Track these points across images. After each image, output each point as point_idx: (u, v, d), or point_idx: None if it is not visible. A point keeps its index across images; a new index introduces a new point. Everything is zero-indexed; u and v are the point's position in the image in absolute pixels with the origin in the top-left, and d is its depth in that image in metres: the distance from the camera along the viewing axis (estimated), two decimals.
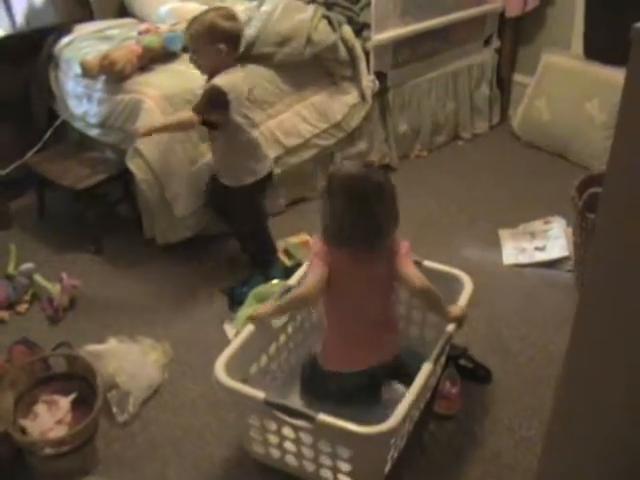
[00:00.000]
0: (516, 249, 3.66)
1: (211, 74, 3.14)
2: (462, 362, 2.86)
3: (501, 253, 3.65)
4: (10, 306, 3.44)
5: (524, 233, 3.77)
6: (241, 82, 3.18)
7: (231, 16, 3.12)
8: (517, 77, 5.04)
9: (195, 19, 3.09)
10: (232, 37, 3.10)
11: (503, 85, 5.04)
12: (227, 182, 3.35)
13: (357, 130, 4.24)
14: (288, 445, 2.34)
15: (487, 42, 4.86)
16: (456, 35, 4.60)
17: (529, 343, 3.06)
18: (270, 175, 3.45)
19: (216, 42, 3.05)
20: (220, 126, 3.17)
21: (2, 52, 4.14)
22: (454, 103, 4.77)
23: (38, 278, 3.46)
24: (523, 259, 3.60)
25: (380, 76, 4.25)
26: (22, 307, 3.45)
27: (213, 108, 3.09)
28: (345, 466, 2.25)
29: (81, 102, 3.91)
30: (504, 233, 3.80)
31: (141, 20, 4.43)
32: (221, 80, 3.06)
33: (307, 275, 2.43)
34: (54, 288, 3.40)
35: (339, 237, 2.32)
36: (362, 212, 2.26)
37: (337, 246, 2.34)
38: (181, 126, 3.27)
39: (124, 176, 3.69)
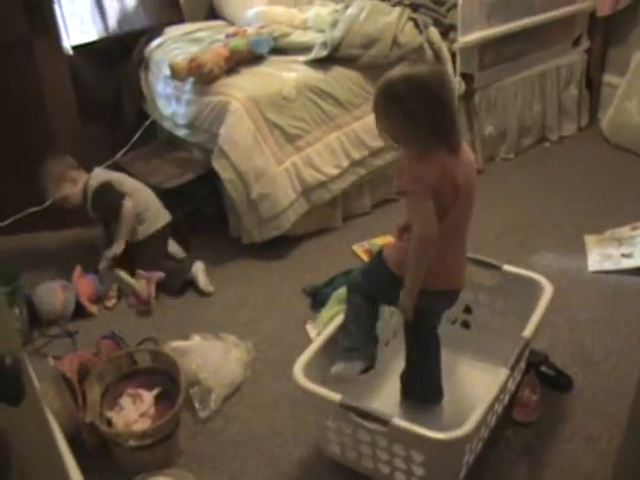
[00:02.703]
0: (602, 255, 3.58)
1: None
2: (543, 369, 2.81)
3: (586, 259, 3.57)
4: (99, 300, 3.57)
5: (611, 239, 3.69)
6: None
7: None
8: (607, 78, 4.92)
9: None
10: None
11: (592, 86, 4.93)
12: None
13: None
14: (363, 447, 2.36)
15: (576, 42, 4.76)
16: (544, 36, 4.52)
17: (612, 352, 2.99)
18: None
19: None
20: None
21: (95, 55, 4.29)
22: (541, 105, 4.70)
23: (122, 274, 3.56)
24: (609, 266, 3.52)
25: (466, 78, 4.23)
26: (110, 302, 3.57)
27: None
28: (419, 470, 2.25)
29: (170, 103, 4.00)
30: (590, 239, 3.72)
31: (230, 22, 4.52)
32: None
33: (420, 213, 2.25)
34: (138, 283, 3.50)
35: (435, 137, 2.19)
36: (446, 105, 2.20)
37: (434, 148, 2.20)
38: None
39: (211, 176, 3.75)
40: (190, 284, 3.61)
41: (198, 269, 3.60)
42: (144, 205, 3.66)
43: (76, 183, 3.62)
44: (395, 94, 2.19)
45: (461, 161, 2.26)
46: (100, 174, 3.68)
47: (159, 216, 3.72)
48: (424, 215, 2.22)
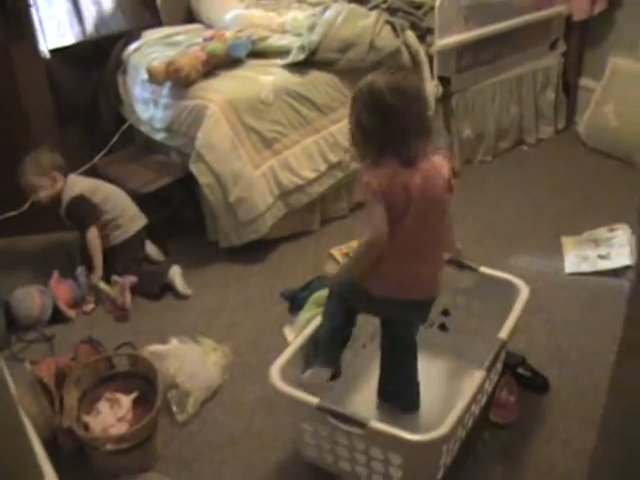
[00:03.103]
0: (579, 257, 3.60)
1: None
2: (520, 370, 2.83)
3: (563, 261, 3.60)
4: (76, 305, 3.55)
5: (588, 241, 3.71)
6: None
7: None
8: (584, 81, 4.94)
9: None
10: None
11: (569, 90, 4.96)
12: None
13: None
14: (341, 450, 2.36)
15: (553, 46, 4.78)
16: (521, 39, 4.54)
17: (589, 353, 3.01)
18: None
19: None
20: None
21: (73, 58, 4.27)
22: (518, 108, 4.73)
23: (98, 283, 3.56)
24: (585, 267, 3.55)
25: (443, 81, 4.24)
26: (88, 307, 3.56)
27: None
28: (397, 472, 2.26)
29: (148, 107, 4.00)
30: (567, 240, 3.74)
31: (207, 26, 4.51)
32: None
33: (369, 218, 2.28)
34: (113, 290, 3.49)
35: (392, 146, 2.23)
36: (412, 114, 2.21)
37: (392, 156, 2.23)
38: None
39: (189, 179, 3.74)
40: (168, 288, 3.60)
41: (175, 273, 3.60)
42: (120, 209, 3.66)
43: (53, 184, 3.60)
44: (355, 100, 2.28)
45: (418, 172, 2.25)
46: (75, 183, 3.66)
47: (135, 220, 3.72)
48: (372, 219, 2.25)
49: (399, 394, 2.68)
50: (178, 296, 3.57)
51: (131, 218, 3.70)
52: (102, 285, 3.54)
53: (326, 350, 2.46)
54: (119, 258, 3.66)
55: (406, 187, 2.23)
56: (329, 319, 2.49)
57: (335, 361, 2.46)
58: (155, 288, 3.59)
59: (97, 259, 3.60)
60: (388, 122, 2.21)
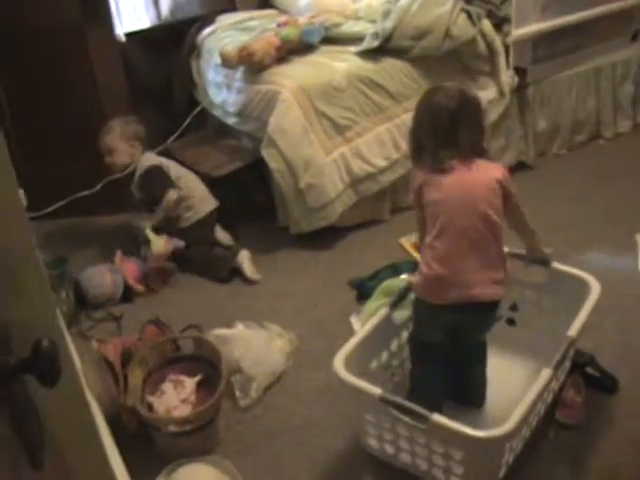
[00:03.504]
0: None
1: None
2: (588, 370, 2.76)
3: (637, 259, 3.51)
4: (144, 282, 3.61)
5: None
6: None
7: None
8: None
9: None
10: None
11: None
12: None
13: (494, 126, 4.15)
14: (402, 442, 2.34)
15: (634, 37, 4.66)
16: (600, 30, 4.44)
17: None
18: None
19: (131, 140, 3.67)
20: None
21: (148, 42, 4.32)
22: (596, 100, 4.62)
23: (148, 231, 3.62)
24: None
25: (519, 71, 4.17)
26: (157, 285, 3.61)
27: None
28: (458, 468, 2.23)
29: (221, 91, 4.02)
30: None
31: (281, 12, 4.52)
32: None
33: None
34: (156, 239, 3.59)
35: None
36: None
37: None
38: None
39: (260, 164, 3.75)
40: (237, 272, 3.62)
41: (244, 257, 3.62)
42: (191, 191, 3.69)
43: (132, 153, 3.67)
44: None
45: (450, 178, 2.33)
46: (150, 158, 3.71)
47: (206, 202, 3.75)
48: None
49: (466, 391, 2.65)
50: (247, 281, 3.58)
51: (202, 200, 3.73)
52: (150, 234, 3.58)
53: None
54: (190, 240, 3.69)
55: (421, 194, 2.40)
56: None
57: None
58: (224, 272, 3.61)
59: (160, 215, 3.65)
60: (419, 130, 2.39)
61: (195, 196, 3.71)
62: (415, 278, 2.49)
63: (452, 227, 2.32)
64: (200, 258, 3.69)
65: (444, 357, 2.48)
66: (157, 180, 3.64)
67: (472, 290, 2.32)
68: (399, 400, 2.25)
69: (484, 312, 2.43)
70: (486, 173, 2.36)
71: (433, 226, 2.35)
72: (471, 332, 2.53)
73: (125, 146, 3.65)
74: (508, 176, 2.39)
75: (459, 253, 2.32)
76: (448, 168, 2.32)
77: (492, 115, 4.07)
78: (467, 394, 2.65)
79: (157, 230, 3.62)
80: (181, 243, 3.63)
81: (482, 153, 2.39)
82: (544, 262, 2.70)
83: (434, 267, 2.33)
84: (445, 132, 2.33)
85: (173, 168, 3.71)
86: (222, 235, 3.83)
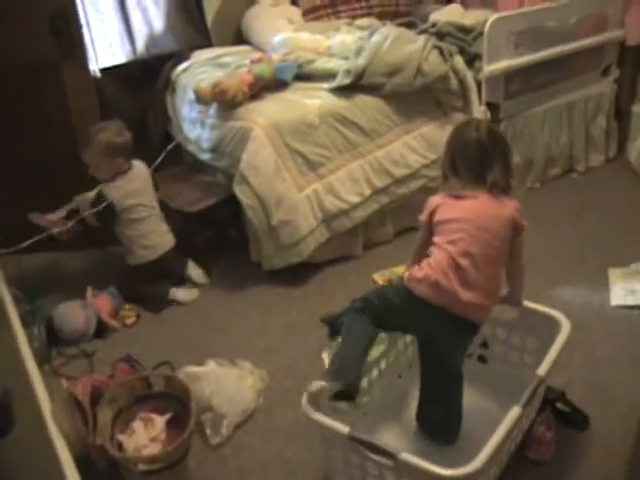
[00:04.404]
0: (625, 290, 3.53)
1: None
2: (559, 406, 2.76)
3: (609, 293, 3.53)
4: (117, 316, 3.62)
5: (636, 273, 3.63)
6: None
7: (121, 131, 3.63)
8: (637, 108, 4.82)
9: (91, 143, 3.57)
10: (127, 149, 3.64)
11: (621, 117, 4.88)
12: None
13: None
14: None
15: (605, 72, 4.73)
16: (572, 65, 4.49)
17: (633, 390, 2.92)
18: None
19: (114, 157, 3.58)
20: None
21: (123, 77, 4.34)
22: (569, 135, 4.66)
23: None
24: (633, 300, 3.46)
25: (492, 107, 4.21)
26: (130, 320, 3.62)
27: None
28: None
29: (195, 127, 4.03)
30: (614, 272, 3.66)
31: (256, 48, 4.55)
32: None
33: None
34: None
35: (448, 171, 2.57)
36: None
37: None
38: None
39: (234, 200, 3.75)
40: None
41: (191, 267, 3.78)
42: (149, 231, 3.72)
43: (113, 168, 3.63)
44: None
45: (465, 203, 2.50)
46: (118, 187, 3.65)
47: (162, 243, 3.79)
48: None
49: (437, 423, 2.64)
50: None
51: (158, 242, 3.76)
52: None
53: (346, 364, 2.46)
54: (141, 277, 3.73)
55: (433, 212, 2.57)
56: (354, 335, 2.54)
57: (350, 381, 2.40)
58: (158, 310, 3.70)
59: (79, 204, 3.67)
60: (452, 162, 2.55)
61: (149, 237, 3.73)
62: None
63: (464, 241, 2.45)
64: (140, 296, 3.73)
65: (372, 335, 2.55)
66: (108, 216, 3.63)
67: (456, 301, 2.43)
68: (368, 438, 2.24)
69: (458, 328, 2.47)
70: (504, 207, 2.51)
71: (444, 234, 2.50)
72: (441, 345, 2.52)
73: (103, 164, 3.60)
74: (521, 210, 2.57)
75: (460, 265, 2.43)
76: (471, 196, 2.49)
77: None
78: (427, 422, 2.66)
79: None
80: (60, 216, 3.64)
81: (506, 189, 2.55)
82: (517, 304, 2.73)
83: (431, 269, 2.46)
84: (476, 165, 2.50)
85: (135, 209, 3.68)
86: (195, 272, 3.82)
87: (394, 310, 2.53)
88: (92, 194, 3.63)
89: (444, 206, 2.54)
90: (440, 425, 2.63)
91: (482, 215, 2.48)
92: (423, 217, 2.62)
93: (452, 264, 2.43)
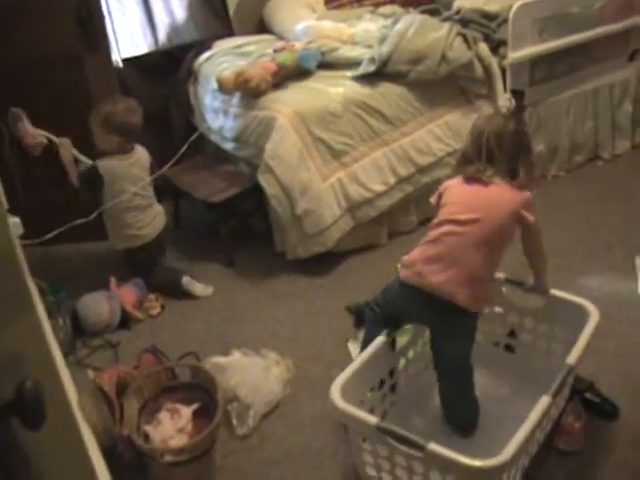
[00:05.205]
0: None
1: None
2: (588, 395, 2.74)
3: (637, 282, 3.48)
4: (142, 307, 3.62)
5: None
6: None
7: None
8: None
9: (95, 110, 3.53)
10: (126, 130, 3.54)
11: None
12: None
13: None
14: (400, 471, 2.32)
15: (631, 57, 4.66)
16: (598, 51, 4.44)
17: None
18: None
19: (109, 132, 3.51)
20: None
21: (145, 67, 4.33)
22: (594, 121, 4.62)
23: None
24: None
25: (517, 94, 4.16)
26: (155, 311, 3.62)
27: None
28: None
29: (218, 116, 4.02)
30: None
31: (278, 37, 4.53)
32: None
33: None
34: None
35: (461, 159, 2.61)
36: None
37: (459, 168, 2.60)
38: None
39: (257, 190, 3.74)
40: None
41: (187, 284, 3.69)
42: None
43: (110, 142, 3.57)
44: None
45: (472, 187, 2.53)
46: (112, 163, 3.59)
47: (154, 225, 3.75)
48: None
49: (456, 416, 2.66)
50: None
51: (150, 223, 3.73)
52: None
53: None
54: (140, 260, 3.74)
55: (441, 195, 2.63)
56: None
57: None
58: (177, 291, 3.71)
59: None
60: (469, 149, 2.58)
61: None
62: None
63: (451, 224, 2.48)
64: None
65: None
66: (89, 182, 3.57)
67: (435, 283, 2.45)
68: (396, 429, 2.22)
69: (445, 312, 2.47)
70: (511, 198, 2.49)
71: (439, 216, 2.55)
72: (437, 330, 2.60)
73: (101, 137, 3.56)
74: (530, 204, 2.50)
75: (442, 248, 2.48)
76: (483, 182, 2.50)
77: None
78: (445, 412, 2.68)
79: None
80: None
81: (515, 176, 2.55)
82: (542, 292, 2.70)
83: (415, 251, 2.56)
84: (502, 154, 2.51)
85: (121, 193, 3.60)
86: (197, 288, 3.74)
87: (391, 303, 2.63)
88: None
89: (451, 189, 2.58)
90: (458, 413, 2.66)
91: (482, 200, 2.48)
92: (433, 199, 2.68)
93: (433, 246, 2.50)
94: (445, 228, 2.48)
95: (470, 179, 2.52)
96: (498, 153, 2.49)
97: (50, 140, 3.50)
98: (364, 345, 2.67)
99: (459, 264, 2.43)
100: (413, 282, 2.49)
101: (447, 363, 2.60)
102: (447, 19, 4.11)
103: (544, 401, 2.26)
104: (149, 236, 3.71)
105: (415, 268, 2.49)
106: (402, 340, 2.74)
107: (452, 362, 2.58)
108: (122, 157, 3.59)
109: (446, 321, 2.50)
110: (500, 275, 2.78)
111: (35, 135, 3.44)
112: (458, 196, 2.54)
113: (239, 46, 4.39)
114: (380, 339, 2.59)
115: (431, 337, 2.66)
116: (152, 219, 3.73)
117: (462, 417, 2.65)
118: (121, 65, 4.21)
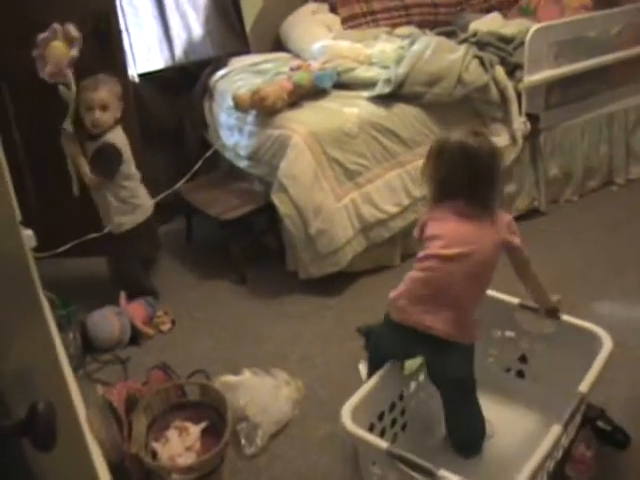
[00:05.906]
0: None
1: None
2: (599, 424, 2.71)
3: None
4: (151, 323, 3.61)
5: None
6: None
7: None
8: None
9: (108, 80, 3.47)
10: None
11: None
12: None
13: (506, 172, 4.12)
14: None
15: None
16: (614, 76, 4.45)
17: None
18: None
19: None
20: None
21: (161, 83, 4.34)
22: (608, 147, 4.61)
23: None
24: None
25: (532, 118, 4.17)
26: (165, 327, 3.61)
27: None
28: None
29: (232, 133, 4.02)
30: None
31: (295, 55, 4.54)
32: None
33: None
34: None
35: (442, 190, 2.48)
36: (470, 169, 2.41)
37: (440, 200, 2.49)
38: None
39: (271, 208, 3.74)
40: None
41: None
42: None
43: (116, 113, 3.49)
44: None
45: (456, 222, 2.44)
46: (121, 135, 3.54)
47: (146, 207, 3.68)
48: None
49: (459, 436, 2.63)
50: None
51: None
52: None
53: None
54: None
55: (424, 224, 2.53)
56: None
57: None
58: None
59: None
60: (445, 175, 2.48)
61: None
62: None
63: (439, 259, 2.42)
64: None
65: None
66: (111, 161, 3.47)
67: (427, 324, 2.43)
68: (407, 454, 2.21)
69: (436, 346, 2.45)
70: (494, 229, 2.44)
71: (424, 250, 2.49)
72: (430, 364, 2.57)
73: (116, 104, 3.47)
74: (513, 226, 2.48)
75: (431, 287, 2.44)
76: (465, 215, 2.42)
77: (504, 162, 4.04)
78: (450, 436, 2.65)
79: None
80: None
81: (493, 199, 2.47)
82: (554, 315, 2.68)
83: (402, 288, 2.53)
84: (461, 180, 2.42)
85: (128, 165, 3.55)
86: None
87: (382, 343, 2.64)
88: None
89: (433, 221, 2.50)
90: (462, 437, 2.62)
91: (471, 233, 2.42)
92: (415, 232, 2.63)
93: (421, 285, 2.47)
94: (433, 263, 2.44)
95: (454, 209, 2.45)
96: (482, 182, 2.43)
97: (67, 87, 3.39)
98: (370, 373, 2.64)
99: (449, 303, 2.41)
100: (405, 322, 2.48)
101: (453, 386, 2.55)
102: (463, 41, 4.11)
103: (556, 430, 2.23)
104: (149, 209, 3.66)
105: (404, 308, 2.48)
106: (414, 362, 2.72)
107: (457, 383, 2.54)
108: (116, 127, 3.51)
109: (439, 352, 2.48)
110: (514, 300, 2.77)
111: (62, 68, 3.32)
112: (445, 229, 2.46)
113: (255, 64, 4.39)
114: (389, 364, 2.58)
115: (428, 369, 2.62)
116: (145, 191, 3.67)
117: (471, 438, 2.62)
118: (137, 80, 4.22)
